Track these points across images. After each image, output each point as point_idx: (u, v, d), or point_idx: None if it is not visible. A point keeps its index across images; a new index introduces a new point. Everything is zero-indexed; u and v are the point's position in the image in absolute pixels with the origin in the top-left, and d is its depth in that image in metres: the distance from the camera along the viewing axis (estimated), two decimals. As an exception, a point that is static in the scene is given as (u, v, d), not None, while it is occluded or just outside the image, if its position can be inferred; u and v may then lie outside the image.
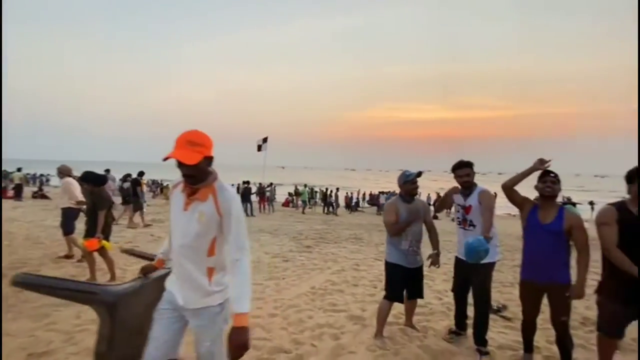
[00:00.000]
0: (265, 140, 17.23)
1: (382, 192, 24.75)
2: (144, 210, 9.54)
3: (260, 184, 16.92)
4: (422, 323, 3.29)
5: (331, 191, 19.46)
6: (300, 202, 21.02)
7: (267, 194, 16.95)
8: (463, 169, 2.86)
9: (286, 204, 21.14)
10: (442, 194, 3.16)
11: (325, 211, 17.61)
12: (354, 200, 22.56)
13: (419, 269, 2.99)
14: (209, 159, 1.49)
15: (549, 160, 2.41)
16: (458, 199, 2.95)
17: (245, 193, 14.19)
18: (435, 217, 15.08)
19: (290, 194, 21.24)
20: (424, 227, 3.00)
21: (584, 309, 3.53)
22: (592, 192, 38.28)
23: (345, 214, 18.75)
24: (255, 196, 15.86)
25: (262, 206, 15.63)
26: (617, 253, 2.04)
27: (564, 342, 2.35)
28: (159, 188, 24.78)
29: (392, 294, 2.92)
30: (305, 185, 19.46)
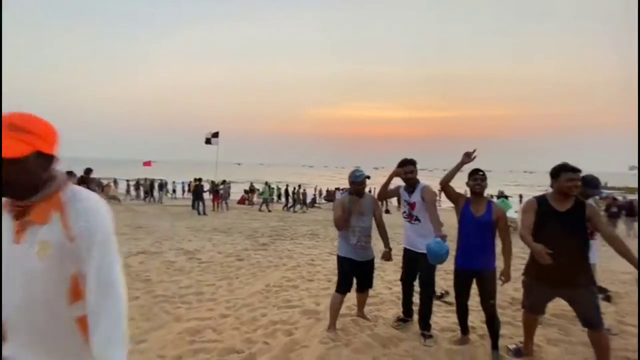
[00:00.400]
0: (216, 135, 16.59)
1: (338, 189, 25.24)
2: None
3: (213, 181, 16.23)
4: (373, 313, 3.42)
5: (297, 188, 19.36)
6: (256, 200, 20.62)
7: (221, 191, 16.38)
8: (407, 167, 3.03)
9: (242, 201, 20.62)
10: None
11: (293, 209, 17.45)
12: (311, 196, 22.74)
13: (369, 262, 3.09)
14: (46, 158, 0.96)
15: (474, 152, 2.67)
16: (404, 195, 3.10)
17: (197, 191, 13.58)
18: (387, 212, 15.82)
19: (246, 191, 20.75)
20: (374, 223, 3.10)
21: (513, 291, 3.92)
22: (522, 187, 43.03)
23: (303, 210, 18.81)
24: (209, 194, 15.24)
25: (215, 204, 15.05)
26: (527, 237, 2.28)
27: (492, 322, 2.60)
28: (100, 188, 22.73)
29: (343, 286, 2.99)
30: (266, 183, 19.07)
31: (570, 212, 2.29)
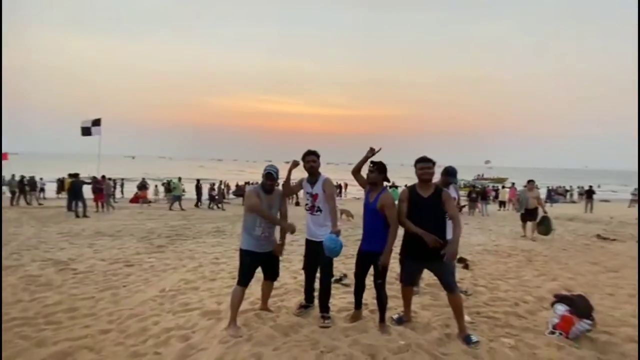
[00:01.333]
0: (96, 122, 14.04)
1: (248, 183, 24.60)
2: None
3: (94, 177, 13.76)
4: (277, 303, 3.45)
5: (214, 184, 17.97)
6: (155, 197, 18.58)
7: (111, 188, 14.12)
8: (310, 156, 3.14)
9: (135, 200, 18.21)
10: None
11: (210, 206, 16.22)
12: (218, 191, 21.58)
13: (272, 253, 3.10)
14: None
15: (379, 149, 2.99)
16: (307, 187, 3.21)
17: (74, 189, 11.36)
18: (298, 204, 16.17)
19: (138, 188, 18.38)
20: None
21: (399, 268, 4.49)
22: (410, 179, 50.27)
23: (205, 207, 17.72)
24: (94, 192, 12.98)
25: (98, 204, 12.87)
26: (406, 222, 2.74)
27: (380, 298, 2.92)
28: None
29: (244, 279, 2.95)
30: (180, 179, 17.22)
31: (431, 197, 2.75)
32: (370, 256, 2.87)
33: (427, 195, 2.76)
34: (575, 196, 26.56)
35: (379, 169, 2.92)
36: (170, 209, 14.53)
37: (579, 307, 2.88)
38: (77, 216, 10.80)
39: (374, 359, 2.44)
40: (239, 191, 24.38)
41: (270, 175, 2.97)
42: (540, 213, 7.81)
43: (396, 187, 13.12)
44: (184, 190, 17.10)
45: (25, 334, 2.79)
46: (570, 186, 29.67)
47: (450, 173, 3.54)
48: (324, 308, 3.07)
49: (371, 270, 2.92)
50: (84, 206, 11.11)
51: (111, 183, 18.18)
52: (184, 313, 3.28)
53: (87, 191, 11.99)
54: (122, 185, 21.56)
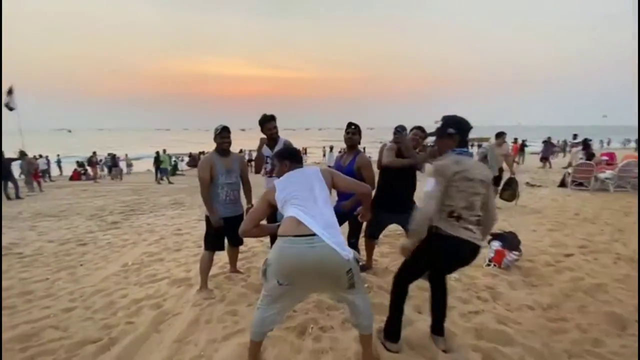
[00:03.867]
0: (9, 92, 12.11)
1: (203, 153, 23.58)
2: None
3: (21, 151, 12.04)
4: (245, 265, 3.57)
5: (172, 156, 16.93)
6: (100, 172, 17.23)
7: (40, 166, 12.68)
8: (270, 122, 3.13)
9: (76, 177, 16.70)
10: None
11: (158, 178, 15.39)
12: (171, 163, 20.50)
13: (239, 217, 3.14)
14: None
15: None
16: (267, 151, 3.21)
17: (1, 168, 10.04)
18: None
19: (79, 164, 16.79)
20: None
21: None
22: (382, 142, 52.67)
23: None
24: (21, 174, 11.61)
25: (34, 183, 11.63)
26: (395, 160, 2.95)
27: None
28: None
29: (211, 244, 2.99)
30: (165, 151, 16.26)
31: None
32: (346, 215, 2.92)
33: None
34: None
35: (359, 131, 3.03)
36: (159, 183, 14.49)
37: (510, 242, 3.38)
38: (9, 198, 9.71)
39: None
40: (194, 162, 23.36)
41: (226, 129, 2.92)
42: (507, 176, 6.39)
43: (364, 149, 13.54)
44: (171, 164, 16.68)
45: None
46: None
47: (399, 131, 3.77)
48: None
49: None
50: (16, 187, 9.98)
51: (44, 160, 16.34)
52: (151, 284, 3.28)
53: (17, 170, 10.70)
54: (58, 162, 19.49)
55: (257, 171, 3.34)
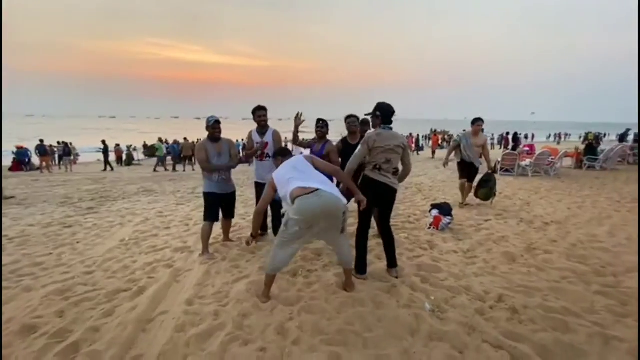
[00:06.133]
0: None
1: (177, 142, 22.88)
2: None
3: None
4: (236, 236, 4.21)
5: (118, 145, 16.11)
6: (73, 160, 16.38)
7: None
8: (261, 111, 3.78)
9: (16, 167, 15.46)
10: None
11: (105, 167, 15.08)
12: (125, 152, 19.67)
13: (231, 195, 3.79)
14: None
15: (300, 115, 3.75)
16: (256, 137, 3.86)
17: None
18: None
19: (40, 153, 15.52)
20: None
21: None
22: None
23: (119, 169, 16.27)
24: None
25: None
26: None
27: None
28: None
29: (209, 216, 3.60)
30: (160, 139, 16.30)
31: (357, 144, 3.74)
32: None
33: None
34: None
35: (327, 125, 3.84)
36: (155, 170, 14.68)
37: (444, 209, 4.43)
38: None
39: (320, 254, 3.49)
40: (149, 151, 22.55)
41: (217, 121, 3.51)
42: (484, 170, 5.80)
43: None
44: (166, 150, 16.69)
45: (4, 287, 2.94)
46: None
47: (364, 123, 4.59)
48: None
49: None
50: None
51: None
52: (156, 252, 3.79)
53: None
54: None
55: (248, 158, 4.00)
